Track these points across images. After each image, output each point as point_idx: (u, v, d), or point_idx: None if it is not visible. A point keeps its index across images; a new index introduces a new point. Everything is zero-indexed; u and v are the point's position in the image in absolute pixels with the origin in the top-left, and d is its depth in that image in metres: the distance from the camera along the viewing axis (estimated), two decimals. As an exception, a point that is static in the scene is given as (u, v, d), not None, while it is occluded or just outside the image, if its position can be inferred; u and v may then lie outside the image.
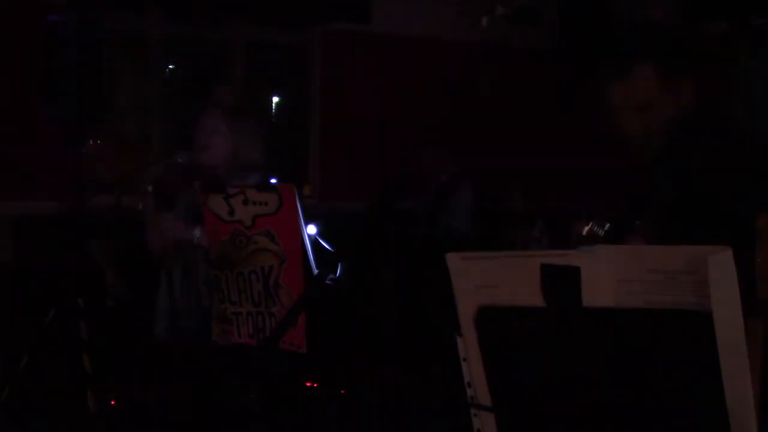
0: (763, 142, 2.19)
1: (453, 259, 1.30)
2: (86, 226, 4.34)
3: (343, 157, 6.28)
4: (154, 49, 5.98)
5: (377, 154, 6.05)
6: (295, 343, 2.53)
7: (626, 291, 1.14)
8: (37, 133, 5.06)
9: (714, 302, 1.08)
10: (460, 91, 5.78)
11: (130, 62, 6.12)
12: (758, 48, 6.04)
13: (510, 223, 5.29)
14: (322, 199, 6.31)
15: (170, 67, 6.30)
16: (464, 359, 1.34)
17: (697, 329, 1.10)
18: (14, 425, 4.41)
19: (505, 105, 6.21)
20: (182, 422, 3.35)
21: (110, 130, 5.80)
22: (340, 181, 6.30)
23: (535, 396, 1.29)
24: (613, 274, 1.15)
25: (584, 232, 2.29)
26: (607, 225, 2.27)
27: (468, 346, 1.32)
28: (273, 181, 3.13)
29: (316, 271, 2.55)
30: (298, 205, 2.53)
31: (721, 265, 1.06)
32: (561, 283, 1.19)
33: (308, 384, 4.37)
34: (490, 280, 1.27)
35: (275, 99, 6.81)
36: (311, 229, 2.85)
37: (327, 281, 2.61)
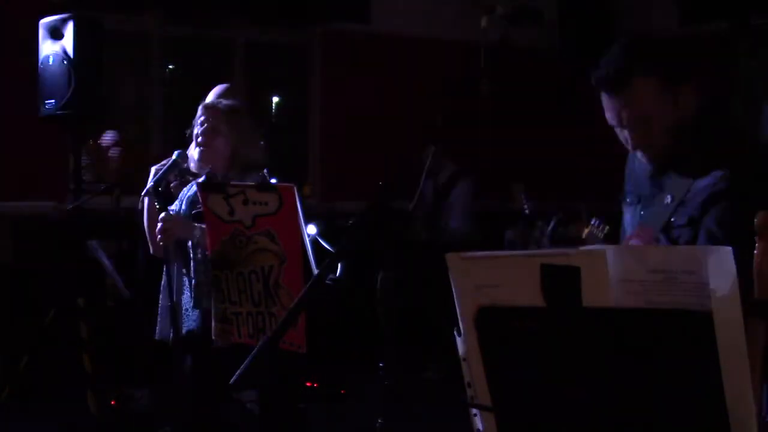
0: (763, 142, 2.19)
1: (453, 259, 1.30)
2: (86, 226, 4.34)
3: (343, 157, 6.28)
4: (154, 49, 5.97)
5: (377, 154, 6.05)
6: (295, 343, 2.53)
7: (626, 291, 1.14)
8: (37, 133, 5.06)
9: (714, 302, 1.08)
10: (460, 91, 5.78)
11: (130, 62, 6.12)
12: (758, 48, 6.04)
13: (510, 223, 5.29)
14: (322, 199, 6.32)
15: (170, 67, 6.30)
16: (464, 359, 1.34)
17: (697, 329, 1.10)
18: (14, 425, 4.41)
19: (505, 105, 6.22)
20: (182, 422, 3.35)
21: (110, 130, 5.82)
22: (340, 181, 6.30)
23: (535, 396, 1.29)
24: (613, 274, 1.15)
25: (584, 235, 2.29)
26: (606, 227, 2.27)
27: (468, 346, 1.32)
28: (273, 181, 3.13)
29: (316, 271, 2.55)
30: (298, 205, 2.53)
31: (721, 265, 1.06)
32: (561, 283, 1.19)
33: (308, 384, 4.38)
34: (490, 280, 1.27)
35: (275, 99, 6.81)
36: (311, 229, 2.86)
37: (327, 281, 2.61)
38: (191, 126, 3.23)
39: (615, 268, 1.15)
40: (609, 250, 1.18)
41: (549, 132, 6.57)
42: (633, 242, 2.15)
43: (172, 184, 3.33)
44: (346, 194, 6.03)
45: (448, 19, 6.29)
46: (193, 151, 3.19)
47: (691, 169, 2.06)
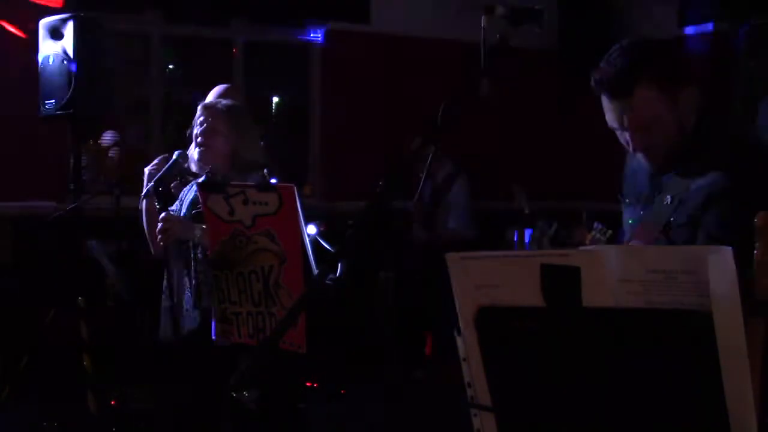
0: (763, 143, 2.19)
1: (453, 259, 1.30)
2: (86, 226, 4.34)
3: (343, 157, 6.28)
4: (154, 49, 5.98)
5: (377, 154, 6.05)
6: (295, 343, 2.53)
7: (626, 291, 1.14)
8: (37, 133, 5.06)
9: (714, 302, 1.08)
10: (460, 91, 5.77)
11: (130, 62, 6.12)
12: (758, 48, 6.04)
13: (510, 223, 5.29)
14: (322, 199, 6.32)
15: (170, 67, 6.30)
16: (464, 359, 1.34)
17: (697, 329, 1.10)
18: (14, 425, 4.42)
19: (505, 105, 6.21)
20: (182, 422, 3.35)
21: (110, 130, 5.82)
22: (340, 181, 6.30)
23: (535, 396, 1.29)
24: (613, 274, 1.15)
25: (587, 241, 2.29)
26: (609, 232, 2.27)
27: (468, 346, 1.32)
28: (273, 181, 3.13)
29: (316, 271, 2.55)
30: (298, 205, 2.53)
31: (721, 265, 1.06)
32: (561, 283, 1.19)
33: (308, 384, 4.37)
34: (490, 280, 1.27)
35: (275, 99, 6.81)
36: (311, 229, 2.86)
37: (327, 281, 2.61)
38: (191, 126, 3.23)
39: (615, 268, 1.15)
40: (609, 250, 1.18)
41: (549, 132, 6.57)
42: (633, 242, 2.15)
43: (172, 185, 3.33)
44: (346, 194, 6.03)
45: (448, 19, 6.28)
46: (193, 151, 3.19)
47: (691, 170, 2.06)
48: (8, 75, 5.18)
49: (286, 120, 6.94)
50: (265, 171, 3.19)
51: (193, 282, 3.12)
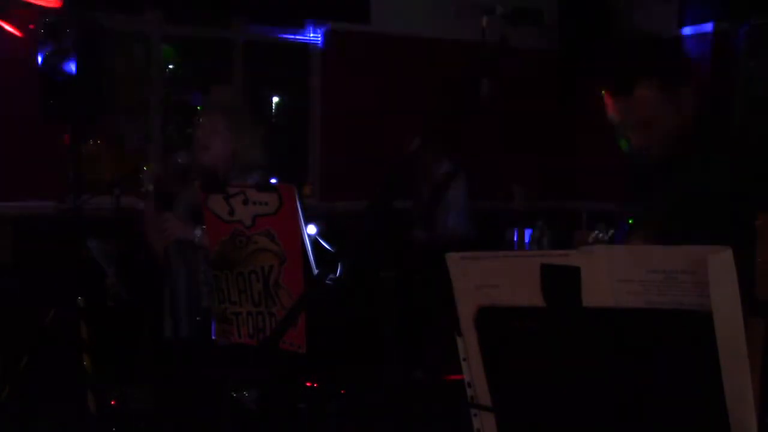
0: (763, 143, 2.19)
1: (453, 259, 1.30)
2: (86, 226, 4.34)
3: (343, 157, 6.28)
4: (154, 49, 5.98)
5: (377, 155, 6.05)
6: (295, 343, 2.53)
7: (626, 291, 1.14)
8: (37, 133, 5.06)
9: (714, 302, 1.08)
10: (460, 91, 5.78)
11: (130, 62, 6.12)
12: (758, 48, 6.04)
13: (510, 223, 5.29)
14: (322, 199, 6.32)
15: (170, 67, 6.30)
16: (464, 359, 1.34)
17: (697, 329, 1.10)
18: (14, 425, 4.41)
19: (505, 105, 6.22)
20: (182, 422, 3.35)
21: (110, 130, 5.82)
22: (340, 181, 6.30)
23: (535, 396, 1.29)
24: (613, 274, 1.15)
25: (590, 240, 2.29)
26: (611, 231, 2.27)
27: (468, 346, 1.32)
28: (273, 181, 3.13)
29: (316, 271, 2.55)
30: (298, 205, 2.53)
31: (721, 265, 1.06)
32: (561, 283, 1.19)
33: (308, 384, 4.37)
34: (490, 280, 1.27)
35: (275, 99, 6.81)
36: (311, 229, 2.86)
37: (327, 281, 2.61)
38: (191, 126, 3.23)
39: (615, 268, 1.15)
40: (609, 250, 1.18)
41: (549, 132, 6.57)
42: (633, 242, 2.15)
43: (172, 185, 3.33)
44: (346, 194, 6.03)
45: (448, 19, 6.29)
46: (194, 152, 3.19)
47: (691, 169, 2.06)
48: (8, 75, 5.18)
49: (286, 120, 6.94)
50: (265, 171, 3.19)
51: (193, 282, 3.12)
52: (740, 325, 1.08)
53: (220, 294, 2.74)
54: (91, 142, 5.75)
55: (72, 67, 4.21)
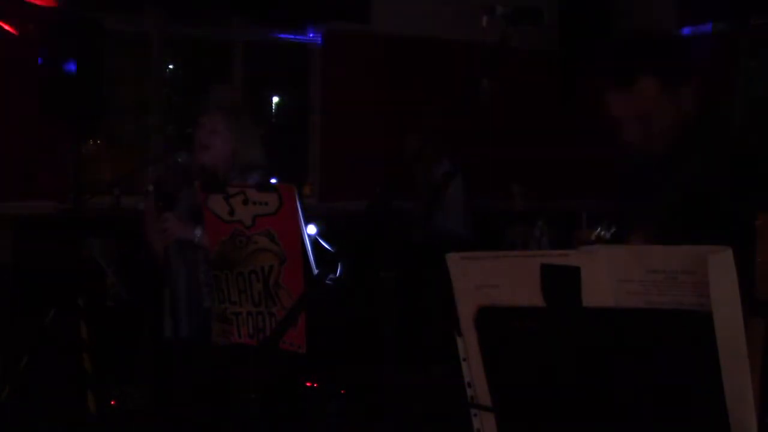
0: (763, 143, 2.20)
1: (453, 259, 1.30)
2: (86, 226, 4.34)
3: (343, 157, 6.28)
4: (154, 49, 5.98)
5: (377, 154, 6.05)
6: (295, 343, 2.53)
7: (626, 291, 1.14)
8: (37, 134, 5.06)
9: (714, 302, 1.08)
10: (460, 91, 5.78)
11: (130, 62, 6.12)
12: (758, 48, 6.04)
13: (510, 223, 5.28)
14: (322, 199, 6.31)
15: (170, 67, 6.30)
16: (464, 359, 1.34)
17: (697, 329, 1.10)
18: (14, 425, 4.41)
19: (505, 105, 6.22)
20: (182, 422, 3.35)
21: (110, 130, 5.82)
22: (340, 181, 6.30)
23: (535, 396, 1.29)
24: (613, 274, 1.15)
25: (593, 237, 2.29)
26: (613, 228, 2.27)
27: (468, 346, 1.32)
28: (273, 181, 3.13)
29: (316, 271, 2.55)
30: (298, 205, 2.53)
31: (721, 265, 1.06)
32: (561, 283, 1.19)
33: (308, 384, 4.37)
34: (490, 280, 1.27)
35: (275, 99, 6.81)
36: (311, 229, 2.86)
37: (327, 281, 2.61)
38: (191, 126, 3.23)
39: (615, 268, 1.15)
40: (609, 250, 1.18)
41: (549, 132, 6.57)
42: (633, 241, 2.15)
43: (172, 185, 3.33)
44: (346, 194, 6.03)
45: (448, 19, 6.28)
46: (194, 152, 3.19)
47: (691, 167, 2.06)
48: (8, 75, 5.18)
49: (286, 120, 6.94)
50: (265, 171, 3.19)
51: (193, 282, 3.12)
52: (740, 325, 1.08)
53: (220, 294, 2.74)
54: (91, 142, 5.75)
55: (72, 67, 4.21)
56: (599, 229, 2.27)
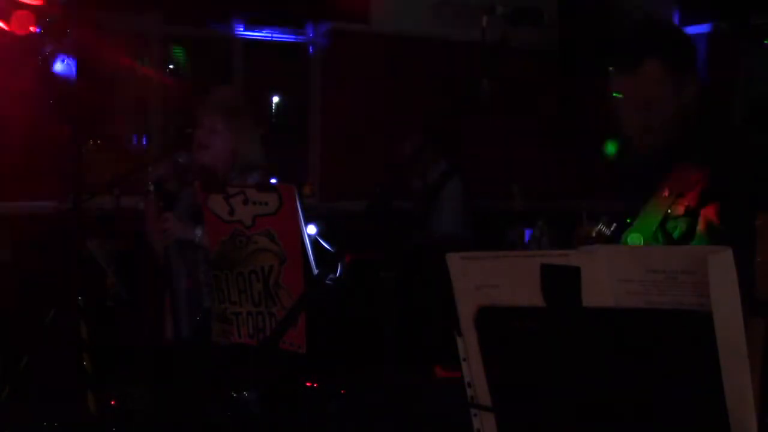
0: (763, 143, 2.20)
1: (453, 259, 1.30)
2: (86, 226, 4.34)
3: (343, 157, 6.28)
4: (154, 49, 5.97)
5: (377, 154, 6.05)
6: (295, 343, 2.53)
7: (626, 291, 1.14)
8: (38, 134, 5.06)
9: (714, 302, 1.08)
10: (460, 91, 5.78)
11: (131, 62, 6.11)
12: (758, 48, 6.04)
13: (509, 223, 5.28)
14: (322, 199, 6.31)
15: (170, 67, 6.29)
16: (464, 359, 1.34)
17: (697, 329, 1.10)
18: (14, 425, 4.41)
19: (505, 105, 6.21)
20: (182, 422, 3.34)
21: (110, 130, 5.82)
22: (340, 181, 6.30)
23: (535, 396, 1.29)
24: (613, 274, 1.15)
25: (593, 233, 2.29)
26: (614, 225, 2.27)
27: (468, 346, 1.32)
28: (273, 181, 3.13)
29: (316, 271, 2.55)
30: (298, 205, 2.53)
31: (721, 265, 1.06)
32: (561, 283, 1.19)
33: (308, 384, 4.37)
34: (490, 280, 1.27)
35: (275, 99, 6.81)
36: (311, 229, 2.86)
37: (327, 281, 2.61)
38: (191, 126, 3.23)
39: (615, 268, 1.15)
40: (609, 250, 1.18)
41: (549, 132, 6.57)
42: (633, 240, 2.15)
43: (172, 185, 3.33)
44: (346, 194, 6.03)
45: (448, 19, 6.28)
46: (194, 152, 3.19)
47: (691, 163, 2.06)
48: (9, 75, 5.18)
49: (286, 120, 6.94)
50: (265, 171, 3.19)
51: (193, 282, 3.12)
52: (740, 325, 1.08)
53: (220, 294, 2.74)
54: (91, 142, 5.74)
55: (72, 67, 4.21)
56: (600, 225, 2.27)
